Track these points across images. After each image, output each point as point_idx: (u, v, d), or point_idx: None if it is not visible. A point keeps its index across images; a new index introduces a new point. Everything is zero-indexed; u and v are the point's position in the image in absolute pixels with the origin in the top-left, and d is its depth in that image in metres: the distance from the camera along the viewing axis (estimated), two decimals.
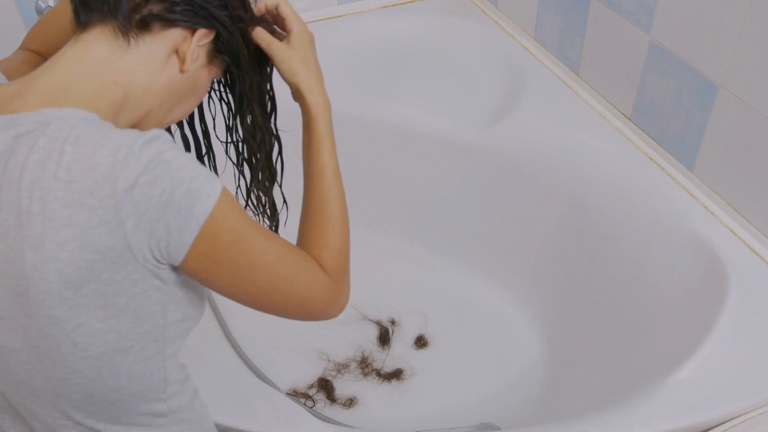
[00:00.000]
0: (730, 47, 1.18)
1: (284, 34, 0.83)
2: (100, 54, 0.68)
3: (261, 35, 0.80)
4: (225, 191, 0.66)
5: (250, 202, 0.93)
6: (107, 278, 0.62)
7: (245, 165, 0.91)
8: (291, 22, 0.82)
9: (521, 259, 1.66)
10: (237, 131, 0.87)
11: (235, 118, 0.86)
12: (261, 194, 0.92)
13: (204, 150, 0.93)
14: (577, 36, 1.59)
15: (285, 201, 0.96)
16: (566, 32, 1.63)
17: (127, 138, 0.62)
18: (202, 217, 0.63)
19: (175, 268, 0.67)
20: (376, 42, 1.87)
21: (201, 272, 0.67)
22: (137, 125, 0.74)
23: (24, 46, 0.88)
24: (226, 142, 0.90)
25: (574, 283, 1.53)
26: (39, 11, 1.52)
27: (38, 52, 0.86)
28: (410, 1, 1.98)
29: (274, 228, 0.95)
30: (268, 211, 0.94)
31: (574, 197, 1.48)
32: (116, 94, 0.69)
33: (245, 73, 0.79)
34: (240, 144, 0.89)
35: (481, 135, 1.60)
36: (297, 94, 0.83)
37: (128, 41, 0.69)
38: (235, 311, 1.68)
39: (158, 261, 0.64)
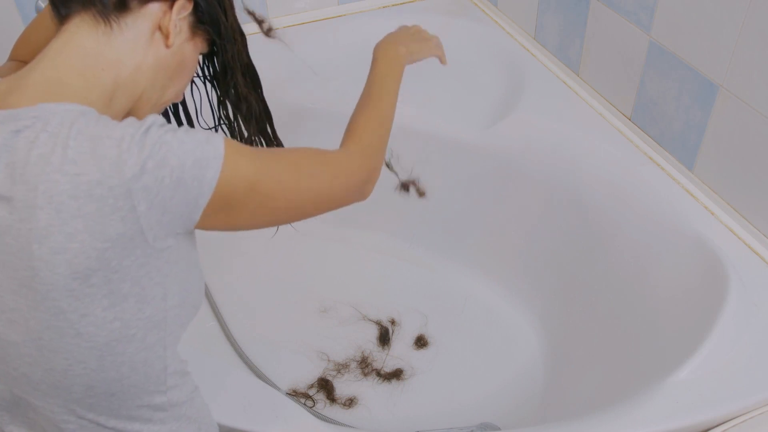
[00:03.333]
0: (730, 47, 1.18)
1: None
2: (85, 42, 0.70)
3: None
4: (228, 142, 0.67)
5: None
6: (116, 265, 0.63)
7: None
8: None
9: (521, 259, 1.66)
10: (225, 107, 0.89)
11: (221, 93, 0.88)
12: None
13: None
14: (577, 36, 1.59)
15: None
16: (566, 32, 1.63)
17: (129, 128, 0.63)
18: (213, 181, 0.65)
19: (183, 236, 0.68)
20: (377, 42, 1.86)
21: (221, 223, 0.69)
22: (133, 109, 0.75)
23: (11, 58, 0.90)
24: (215, 126, 0.92)
25: (574, 283, 1.53)
26: (39, 11, 1.52)
27: (26, 62, 0.87)
28: (410, 1, 1.98)
29: None
30: None
31: (574, 197, 1.48)
32: (106, 80, 0.70)
33: (226, 41, 0.81)
34: (229, 121, 0.91)
35: (481, 135, 1.60)
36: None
37: (110, 25, 0.70)
38: (235, 311, 1.68)
39: (170, 234, 0.66)
